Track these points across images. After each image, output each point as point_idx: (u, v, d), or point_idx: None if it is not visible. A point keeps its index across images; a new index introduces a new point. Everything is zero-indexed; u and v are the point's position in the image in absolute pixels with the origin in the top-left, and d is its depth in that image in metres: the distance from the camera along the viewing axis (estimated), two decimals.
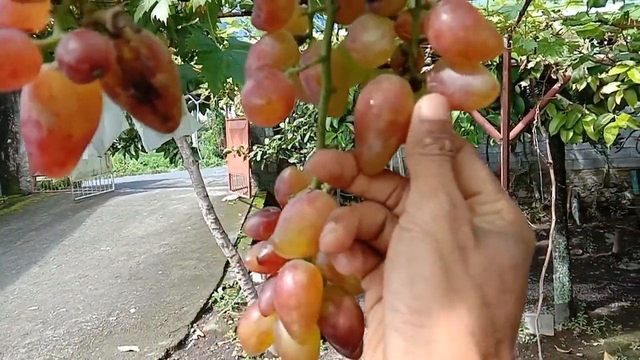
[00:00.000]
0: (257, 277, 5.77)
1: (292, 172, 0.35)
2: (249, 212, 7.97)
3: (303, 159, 6.74)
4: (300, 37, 0.35)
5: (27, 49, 0.17)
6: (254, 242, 6.56)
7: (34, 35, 0.19)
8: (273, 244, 0.31)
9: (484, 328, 0.26)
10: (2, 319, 5.00)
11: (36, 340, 4.52)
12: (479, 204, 0.31)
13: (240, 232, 7.10)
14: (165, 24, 1.07)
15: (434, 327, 0.26)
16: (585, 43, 2.18)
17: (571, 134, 3.49)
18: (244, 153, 7.74)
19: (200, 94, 3.84)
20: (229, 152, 8.15)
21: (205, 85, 3.38)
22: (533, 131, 3.38)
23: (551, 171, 3.48)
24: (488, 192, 0.31)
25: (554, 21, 2.13)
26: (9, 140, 11.07)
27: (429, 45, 0.33)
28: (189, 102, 4.49)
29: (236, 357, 4.11)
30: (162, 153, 5.90)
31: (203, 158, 15.37)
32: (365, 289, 0.33)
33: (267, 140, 7.29)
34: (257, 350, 0.35)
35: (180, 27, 1.50)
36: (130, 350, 4.24)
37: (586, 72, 2.29)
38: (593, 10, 1.83)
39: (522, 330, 4.38)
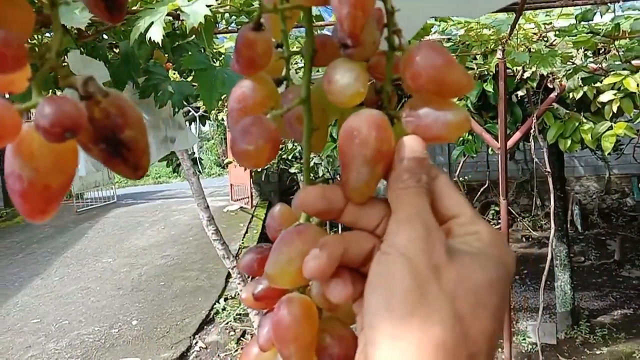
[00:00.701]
0: None
1: (282, 208, 0.37)
2: (250, 222, 7.98)
3: None
4: (278, 80, 0.37)
5: (8, 114, 0.20)
6: None
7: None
8: (266, 275, 0.32)
9: (455, 341, 0.28)
10: (5, 332, 5.01)
11: (38, 353, 4.53)
12: (457, 225, 0.33)
13: (242, 243, 7.11)
14: (161, 45, 1.10)
15: (407, 339, 0.27)
16: (578, 54, 2.20)
17: (569, 142, 3.50)
18: None
19: (200, 107, 3.87)
20: (230, 162, 8.18)
21: (204, 104, 3.41)
22: (531, 140, 3.40)
23: (549, 179, 3.49)
24: (466, 215, 0.33)
25: (547, 32, 2.16)
26: None
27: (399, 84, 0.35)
28: (189, 114, 4.52)
29: None
30: (165, 163, 5.92)
31: (204, 169, 15.39)
32: (356, 313, 0.34)
33: None
34: None
35: (176, 44, 1.53)
36: None
37: (580, 82, 2.32)
38: (584, 22, 1.86)
39: (524, 339, 4.38)
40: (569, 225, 6.40)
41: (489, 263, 0.31)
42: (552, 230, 3.43)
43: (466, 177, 7.95)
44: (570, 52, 2.13)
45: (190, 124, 4.89)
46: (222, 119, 6.70)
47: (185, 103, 1.67)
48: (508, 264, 0.32)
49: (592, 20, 1.59)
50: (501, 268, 0.31)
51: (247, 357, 0.36)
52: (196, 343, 4.61)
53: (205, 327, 4.92)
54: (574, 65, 2.21)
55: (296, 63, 2.31)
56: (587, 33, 1.93)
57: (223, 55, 1.67)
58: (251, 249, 0.37)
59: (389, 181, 0.33)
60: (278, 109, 0.35)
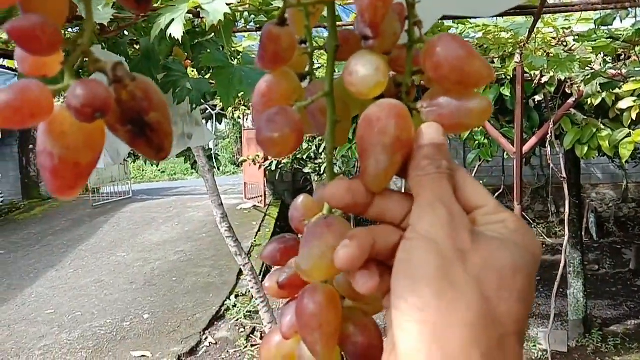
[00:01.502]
0: None
1: (305, 199, 0.37)
2: (262, 220, 8.02)
3: (318, 168, 6.78)
4: (301, 75, 0.38)
5: (42, 95, 0.21)
6: None
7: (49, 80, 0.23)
8: (300, 270, 0.32)
9: (483, 321, 0.28)
10: (20, 322, 5.10)
11: (51, 343, 4.60)
12: (481, 215, 0.33)
13: (255, 241, 7.14)
14: (181, 42, 1.12)
15: (436, 322, 0.28)
16: (597, 59, 2.18)
17: (586, 148, 3.46)
18: (259, 162, 7.80)
19: (217, 105, 3.90)
20: (245, 160, 8.22)
21: (221, 101, 3.44)
22: (547, 145, 3.37)
23: (565, 186, 3.46)
24: (491, 205, 0.33)
25: (566, 37, 2.14)
26: (31, 146, 11.31)
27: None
28: (206, 112, 4.56)
29: None
30: (183, 159, 5.98)
31: (220, 167, 15.48)
32: (385, 307, 0.34)
33: None
34: None
35: (196, 42, 1.55)
36: (142, 356, 4.29)
37: (599, 88, 2.29)
38: (604, 27, 1.84)
39: (534, 346, 4.34)
40: (584, 233, 6.32)
41: (514, 248, 0.31)
42: (566, 237, 3.40)
43: (481, 182, 7.88)
44: (589, 58, 2.12)
45: (207, 122, 4.93)
46: (239, 117, 6.74)
47: (202, 101, 1.70)
48: (534, 250, 0.32)
49: (611, 25, 1.58)
50: (527, 254, 0.31)
51: (269, 345, 0.37)
52: (206, 338, 4.64)
53: (215, 323, 4.95)
54: (593, 71, 2.19)
55: (317, 62, 2.32)
56: (606, 38, 1.91)
57: (241, 54, 1.69)
58: (274, 240, 0.37)
59: (409, 170, 0.33)
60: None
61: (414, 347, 0.28)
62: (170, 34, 1.11)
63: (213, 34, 1.55)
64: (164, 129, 0.25)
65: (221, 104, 3.87)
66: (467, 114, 0.32)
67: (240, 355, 4.32)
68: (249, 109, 4.51)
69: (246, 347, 4.44)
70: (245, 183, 9.52)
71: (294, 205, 0.37)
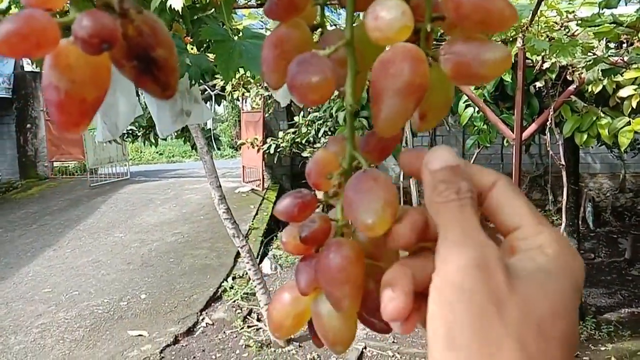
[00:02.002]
0: (266, 269, 5.83)
1: (325, 153, 0.36)
2: (260, 204, 8.03)
3: None
4: (313, 26, 0.37)
5: (49, 25, 0.21)
6: (265, 234, 6.55)
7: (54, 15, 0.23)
8: (364, 225, 0.30)
9: None
10: (17, 300, 5.12)
11: (49, 321, 4.63)
12: (519, 239, 0.30)
13: (252, 224, 7.16)
14: (181, 14, 1.11)
15: None
16: (599, 45, 2.17)
17: (585, 136, 3.47)
18: (257, 145, 7.79)
19: (216, 85, 3.88)
20: (243, 143, 8.21)
21: (221, 75, 3.43)
22: (547, 132, 3.37)
23: (563, 173, 3.47)
24: (528, 225, 0.30)
25: (569, 22, 2.12)
26: (28, 125, 11.26)
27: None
28: (205, 93, 4.54)
29: (243, 346, 4.17)
30: (182, 141, 5.96)
31: (219, 149, 15.44)
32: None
33: (281, 134, 7.33)
34: (290, 333, 0.36)
35: (196, 17, 1.53)
36: (139, 335, 4.32)
37: (600, 75, 2.29)
38: (608, 11, 1.83)
39: None
40: (580, 222, 6.35)
41: (554, 286, 0.28)
42: (563, 224, 3.42)
43: None
44: (592, 43, 2.10)
45: (205, 103, 4.91)
46: (237, 99, 6.71)
47: (201, 81, 1.69)
48: (576, 274, 0.30)
49: (616, 7, 1.56)
50: (568, 287, 0.29)
51: (280, 303, 0.36)
52: (203, 319, 4.67)
53: (212, 304, 4.98)
54: (595, 56, 2.18)
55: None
56: (610, 23, 1.90)
57: (241, 32, 1.68)
58: (289, 194, 0.35)
59: (425, 194, 0.31)
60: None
61: None
62: (170, 5, 1.10)
63: (213, 10, 1.53)
64: (170, 67, 0.25)
65: (220, 84, 3.85)
66: (486, 62, 0.30)
67: (236, 336, 4.35)
68: (248, 91, 4.48)
69: (243, 328, 4.47)
70: (243, 166, 9.51)
71: (314, 159, 0.36)
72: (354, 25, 0.35)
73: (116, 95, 1.49)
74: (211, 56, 1.61)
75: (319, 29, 0.37)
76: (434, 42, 0.36)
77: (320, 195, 0.36)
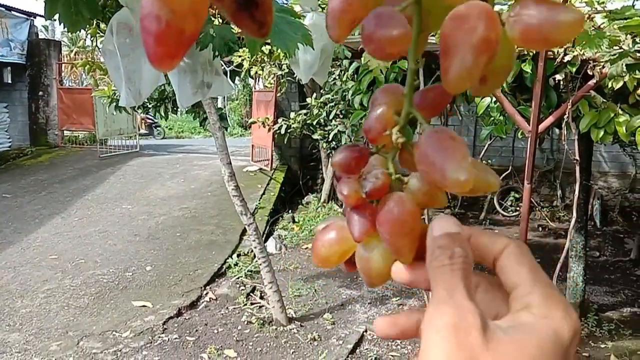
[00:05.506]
0: (271, 248, 5.85)
1: (385, 109, 0.36)
2: (268, 184, 8.04)
3: (327, 135, 6.74)
4: None
5: None
6: (271, 214, 6.55)
7: None
8: (457, 182, 0.30)
9: None
10: (24, 264, 5.18)
11: (54, 287, 4.69)
12: (514, 298, 0.32)
13: (259, 204, 7.18)
14: None
15: None
16: (627, 39, 2.13)
17: (602, 132, 3.43)
18: (268, 125, 7.77)
19: (232, 61, 3.86)
20: (254, 122, 8.19)
21: (239, 52, 3.40)
22: (563, 127, 3.34)
23: (577, 168, 3.44)
24: (523, 285, 0.32)
25: (597, 14, 2.09)
26: (41, 93, 11.28)
27: None
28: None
29: (245, 322, 4.21)
30: (192, 116, 5.93)
31: (228, 128, 15.45)
32: None
33: (292, 114, 7.30)
34: (330, 265, 0.38)
35: None
36: (143, 306, 4.37)
37: (624, 69, 2.25)
38: (638, 5, 1.79)
39: None
40: (588, 219, 6.32)
41: (533, 345, 0.29)
42: (573, 220, 3.40)
43: (489, 161, 7.87)
44: (619, 37, 2.07)
45: None
46: (252, 77, 6.68)
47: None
48: (562, 334, 0.30)
49: None
50: (549, 345, 0.30)
51: (329, 240, 0.38)
52: (206, 294, 4.71)
53: (216, 279, 5.02)
54: (621, 50, 2.15)
55: None
56: (639, 16, 1.87)
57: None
58: (345, 147, 0.36)
59: (427, 258, 0.33)
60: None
61: None
62: None
63: None
64: (267, 5, 0.24)
65: (238, 60, 3.83)
66: (557, 26, 0.29)
67: (239, 313, 4.39)
68: (262, 69, 4.46)
69: (245, 304, 4.51)
70: (252, 145, 9.51)
71: (375, 116, 0.36)
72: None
73: (142, 61, 1.49)
74: (236, 29, 1.59)
75: None
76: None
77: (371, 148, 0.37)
